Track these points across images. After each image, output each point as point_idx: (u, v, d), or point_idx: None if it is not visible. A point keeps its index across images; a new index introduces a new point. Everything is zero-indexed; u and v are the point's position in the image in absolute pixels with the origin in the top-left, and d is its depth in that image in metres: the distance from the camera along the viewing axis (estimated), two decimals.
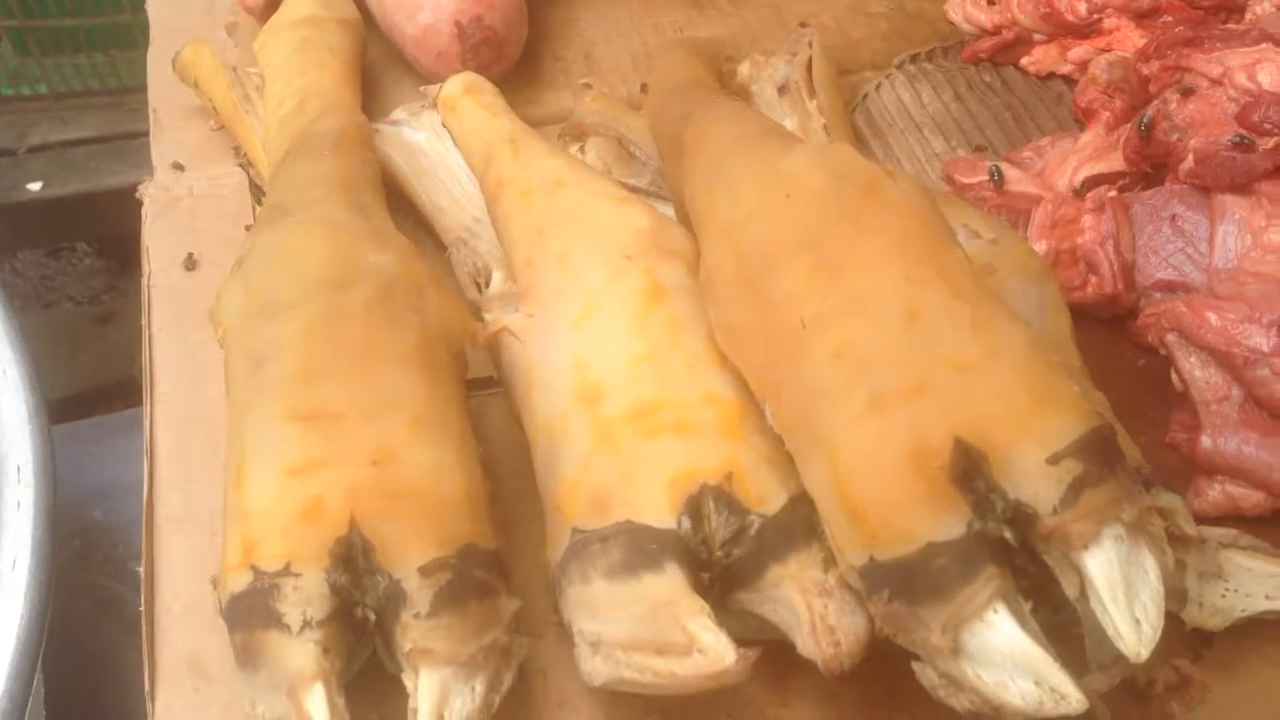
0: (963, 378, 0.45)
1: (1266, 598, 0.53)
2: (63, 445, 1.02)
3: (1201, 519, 0.60)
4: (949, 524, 0.43)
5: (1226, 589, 0.53)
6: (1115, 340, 0.70)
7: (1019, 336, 0.46)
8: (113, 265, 1.58)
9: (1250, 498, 0.60)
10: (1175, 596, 0.54)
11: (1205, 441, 0.61)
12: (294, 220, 0.56)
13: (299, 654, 0.46)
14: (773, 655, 0.49)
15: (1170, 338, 0.63)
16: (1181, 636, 0.55)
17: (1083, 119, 0.81)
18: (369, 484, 0.49)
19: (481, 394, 0.66)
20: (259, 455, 0.51)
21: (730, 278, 0.51)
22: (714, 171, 0.55)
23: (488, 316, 0.59)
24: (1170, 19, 0.81)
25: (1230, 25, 0.80)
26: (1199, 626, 0.53)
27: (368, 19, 0.86)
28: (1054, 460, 0.43)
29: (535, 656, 0.56)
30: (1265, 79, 0.68)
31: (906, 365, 0.46)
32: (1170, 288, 0.68)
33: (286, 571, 0.47)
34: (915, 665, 0.45)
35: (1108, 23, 0.84)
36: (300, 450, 0.50)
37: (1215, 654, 0.56)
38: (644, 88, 0.81)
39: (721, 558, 0.50)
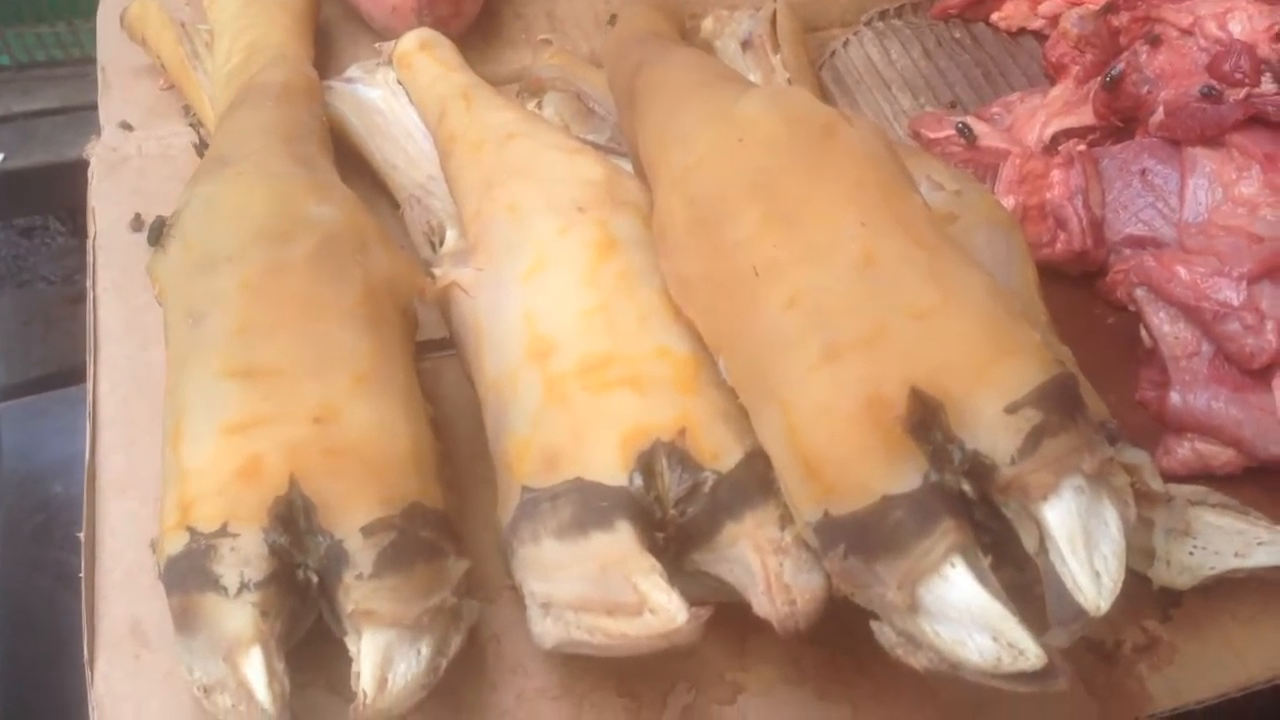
0: (919, 325, 0.43)
1: (1235, 555, 0.52)
2: (29, 420, 1.00)
3: (1171, 477, 0.59)
4: (905, 476, 0.42)
5: (1194, 546, 0.52)
6: (1085, 298, 0.69)
7: (978, 284, 0.45)
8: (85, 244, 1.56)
9: (1220, 455, 0.59)
10: (1142, 554, 0.53)
11: (1174, 398, 0.59)
12: (233, 171, 0.54)
13: (236, 616, 0.45)
14: (732, 616, 0.48)
15: (1139, 293, 0.62)
16: (1150, 597, 0.54)
17: (1054, 74, 0.80)
18: (310, 441, 0.48)
19: (437, 356, 0.64)
20: (196, 413, 0.49)
21: (682, 227, 0.50)
22: (667, 118, 0.53)
23: (437, 272, 0.57)
24: None
25: None
26: (1167, 585, 0.52)
27: None
28: (1012, 409, 0.41)
29: (489, 621, 0.55)
30: (1236, 28, 0.67)
31: (862, 313, 0.44)
32: (1140, 243, 0.67)
33: (223, 532, 0.46)
34: (873, 624, 0.44)
35: None
36: (238, 407, 0.48)
37: (1184, 614, 0.55)
38: (613, 19, 0.78)
39: (676, 516, 0.48)
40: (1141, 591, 0.54)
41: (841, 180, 0.47)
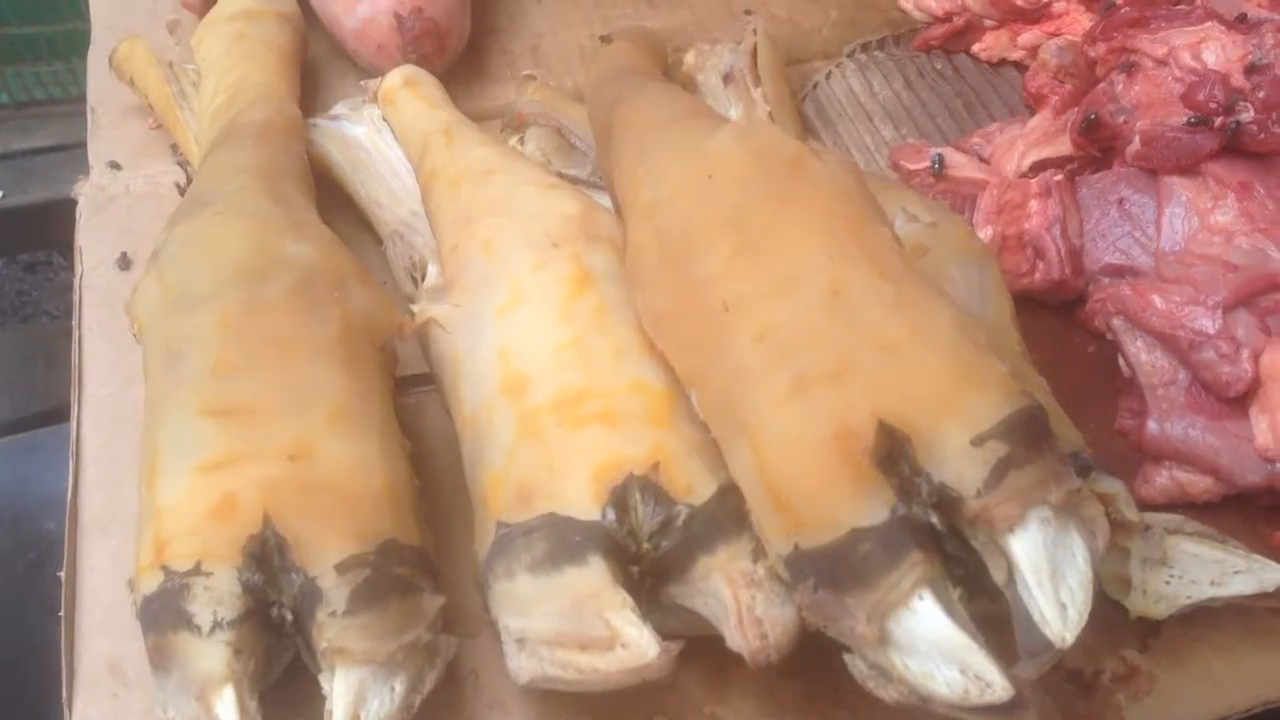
0: (886, 358, 0.43)
1: (1212, 584, 0.52)
2: (24, 456, 1.00)
3: (1150, 506, 0.59)
4: (872, 509, 0.42)
5: (1171, 576, 0.52)
6: (1065, 326, 0.69)
7: (945, 315, 0.45)
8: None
9: (1198, 483, 0.59)
10: (1119, 584, 0.53)
11: (1152, 426, 0.59)
12: (211, 211, 0.54)
13: (209, 656, 0.45)
14: (711, 649, 0.48)
15: (1116, 322, 0.62)
16: (1128, 626, 0.54)
17: (1034, 104, 0.80)
18: (284, 479, 0.48)
19: (421, 390, 0.65)
20: (172, 452, 0.49)
21: (654, 261, 0.50)
22: (640, 153, 0.54)
23: (415, 308, 0.58)
24: (1120, 1, 0.79)
25: (1181, 6, 0.79)
26: (1144, 615, 0.52)
27: (309, 13, 0.85)
28: (978, 441, 0.42)
29: (468, 656, 0.55)
30: (1210, 58, 0.67)
31: (830, 346, 0.44)
32: (1118, 272, 0.67)
33: (197, 571, 0.46)
34: (846, 657, 0.44)
35: (1057, 6, 0.83)
36: (213, 446, 0.49)
37: (1163, 643, 0.55)
38: (605, 39, 0.79)
39: (650, 550, 0.48)
40: (1120, 621, 0.53)
41: (809, 214, 0.47)
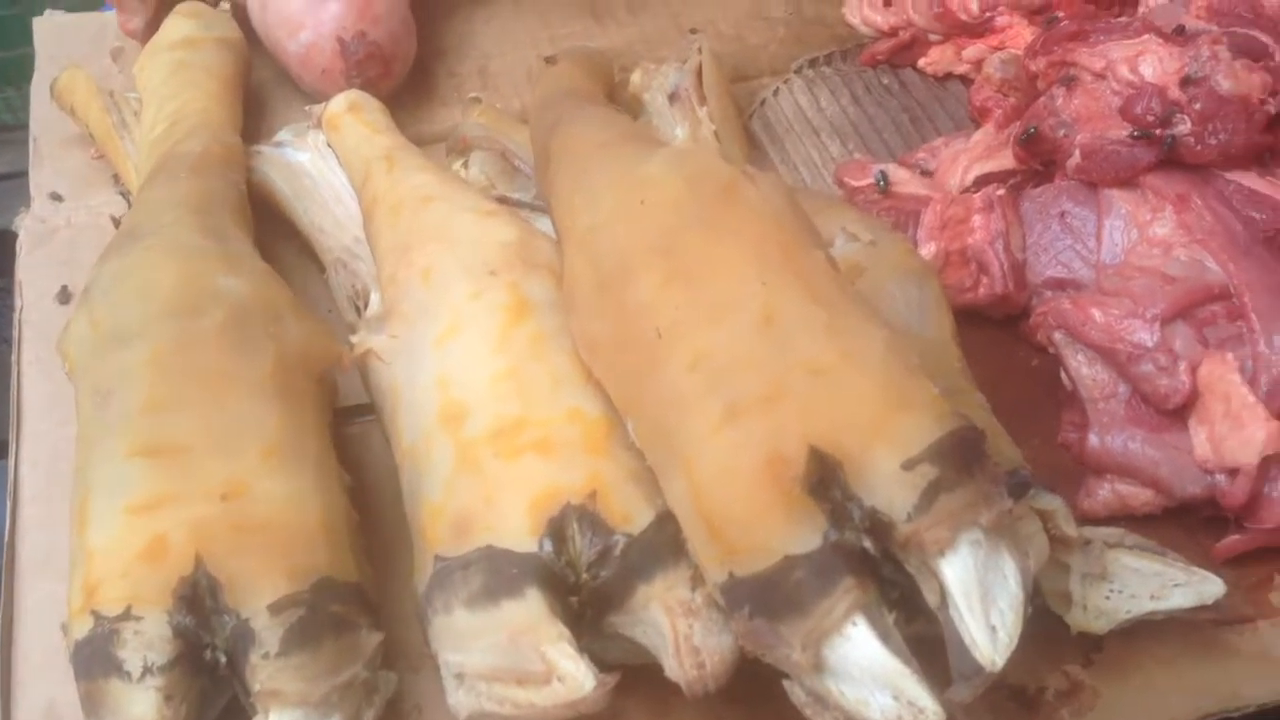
0: (817, 383, 0.43)
1: (1152, 598, 0.52)
2: None
3: (1093, 519, 0.59)
4: (805, 536, 0.42)
5: (1111, 590, 0.52)
6: (1009, 340, 0.69)
7: (877, 339, 0.45)
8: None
9: (1139, 496, 0.59)
10: (1061, 599, 0.53)
11: (1093, 440, 0.60)
12: (142, 246, 0.54)
13: (139, 702, 0.45)
14: (655, 677, 0.48)
15: (1057, 336, 0.62)
16: (1071, 641, 0.54)
17: (979, 118, 0.80)
18: (216, 519, 0.47)
19: (365, 420, 0.64)
20: (102, 494, 0.49)
21: (589, 288, 0.50)
22: (576, 179, 0.53)
23: (354, 339, 0.57)
24: (1062, 15, 0.80)
25: (1125, 18, 0.79)
26: (1084, 630, 0.52)
27: (253, 38, 0.84)
28: (909, 465, 0.42)
29: (411, 691, 0.54)
30: (1147, 70, 0.67)
31: (762, 373, 0.44)
32: (1060, 285, 0.67)
33: (127, 615, 0.46)
34: (785, 684, 0.44)
35: (1000, 20, 0.83)
36: (144, 487, 0.48)
37: (1106, 657, 0.55)
38: (549, 60, 0.79)
39: (589, 580, 0.48)
40: (1063, 636, 0.53)
41: (742, 239, 0.47)
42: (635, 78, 0.81)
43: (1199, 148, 0.64)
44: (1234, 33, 0.68)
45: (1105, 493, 0.59)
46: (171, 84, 0.75)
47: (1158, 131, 0.65)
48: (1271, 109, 0.65)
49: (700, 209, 0.48)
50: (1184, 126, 0.65)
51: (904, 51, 0.88)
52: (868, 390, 0.43)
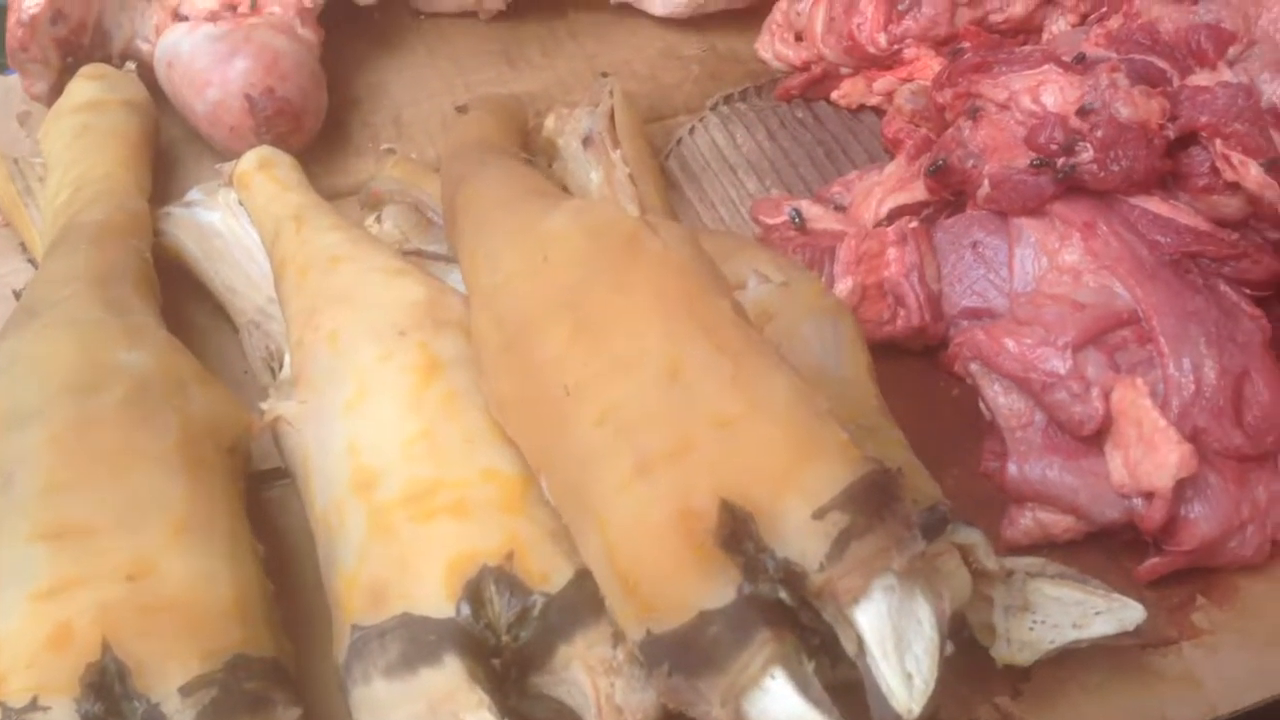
0: (725, 435, 0.43)
1: (1074, 627, 0.52)
2: None
3: (1016, 548, 0.60)
4: (719, 590, 0.41)
5: (1034, 621, 0.53)
6: (929, 371, 0.70)
7: (783, 387, 0.45)
8: None
9: (1060, 523, 0.59)
10: (986, 631, 0.53)
11: (1011, 469, 0.60)
12: (39, 323, 0.53)
13: None
14: None
15: (973, 366, 0.63)
16: (1000, 673, 0.54)
17: (892, 149, 0.81)
18: (123, 601, 0.46)
19: (284, 484, 0.63)
20: (6, 581, 0.47)
21: (495, 346, 0.49)
22: (478, 237, 0.53)
23: (264, 405, 0.56)
24: (967, 46, 0.81)
25: (1027, 47, 0.81)
26: (1009, 663, 0.52)
27: (161, 98, 0.83)
28: (819, 514, 0.41)
29: None
30: (1049, 100, 0.68)
31: (669, 427, 0.44)
32: (976, 315, 0.68)
33: (34, 706, 0.44)
34: None
35: (908, 53, 0.84)
36: (47, 572, 0.47)
37: (1034, 687, 0.55)
38: (460, 109, 0.78)
39: (510, 641, 0.47)
40: (991, 668, 0.54)
41: (645, 292, 0.47)
42: (549, 123, 0.81)
43: (1102, 175, 0.65)
44: (1132, 60, 0.70)
45: (1027, 521, 0.60)
46: (75, 149, 0.73)
47: (1060, 161, 0.66)
48: (1171, 134, 0.66)
49: (603, 263, 0.48)
50: (1087, 154, 0.66)
51: (817, 85, 0.89)
52: (776, 439, 0.43)
